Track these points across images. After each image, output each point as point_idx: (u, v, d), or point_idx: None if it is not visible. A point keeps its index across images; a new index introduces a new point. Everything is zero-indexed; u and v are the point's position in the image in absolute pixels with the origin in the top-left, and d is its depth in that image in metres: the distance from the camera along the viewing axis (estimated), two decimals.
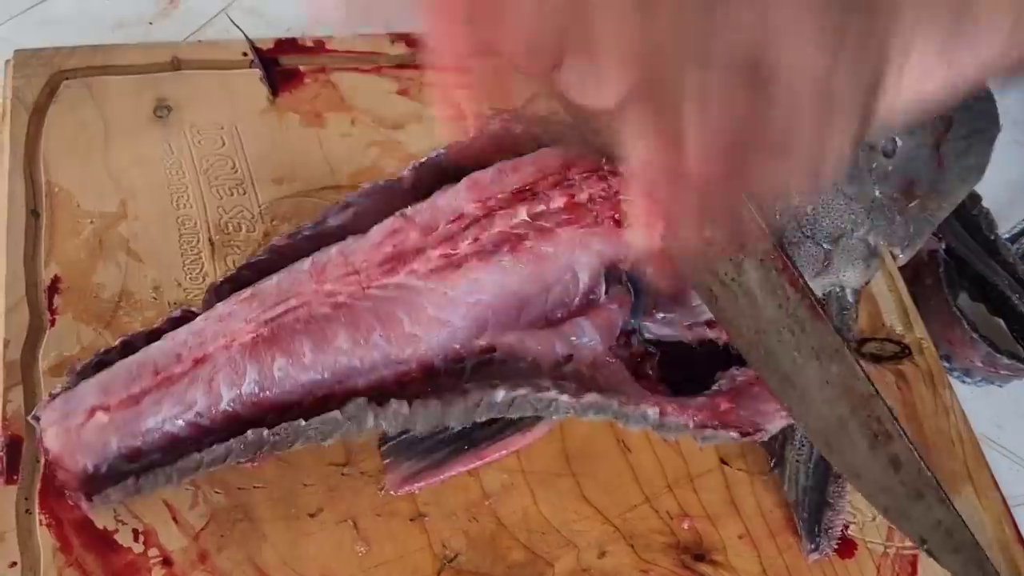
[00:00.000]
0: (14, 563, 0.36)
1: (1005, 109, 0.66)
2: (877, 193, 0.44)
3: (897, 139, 0.44)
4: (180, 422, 0.35)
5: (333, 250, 0.37)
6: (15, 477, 0.38)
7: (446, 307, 0.36)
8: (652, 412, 0.36)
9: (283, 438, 0.35)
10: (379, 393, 0.36)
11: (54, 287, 0.43)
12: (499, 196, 0.38)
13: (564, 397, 0.36)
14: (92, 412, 0.35)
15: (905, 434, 0.34)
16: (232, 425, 0.35)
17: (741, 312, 0.35)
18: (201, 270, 0.44)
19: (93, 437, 0.34)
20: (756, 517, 0.42)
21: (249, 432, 0.34)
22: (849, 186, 0.43)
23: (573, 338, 0.38)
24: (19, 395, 0.40)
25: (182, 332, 0.36)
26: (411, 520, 0.40)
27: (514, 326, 0.38)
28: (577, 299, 0.39)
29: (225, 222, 0.46)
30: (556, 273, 0.38)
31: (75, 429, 0.34)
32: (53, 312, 0.42)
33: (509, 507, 0.41)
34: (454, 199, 0.38)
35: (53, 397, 0.35)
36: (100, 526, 0.37)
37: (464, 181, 0.39)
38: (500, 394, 0.35)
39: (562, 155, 0.39)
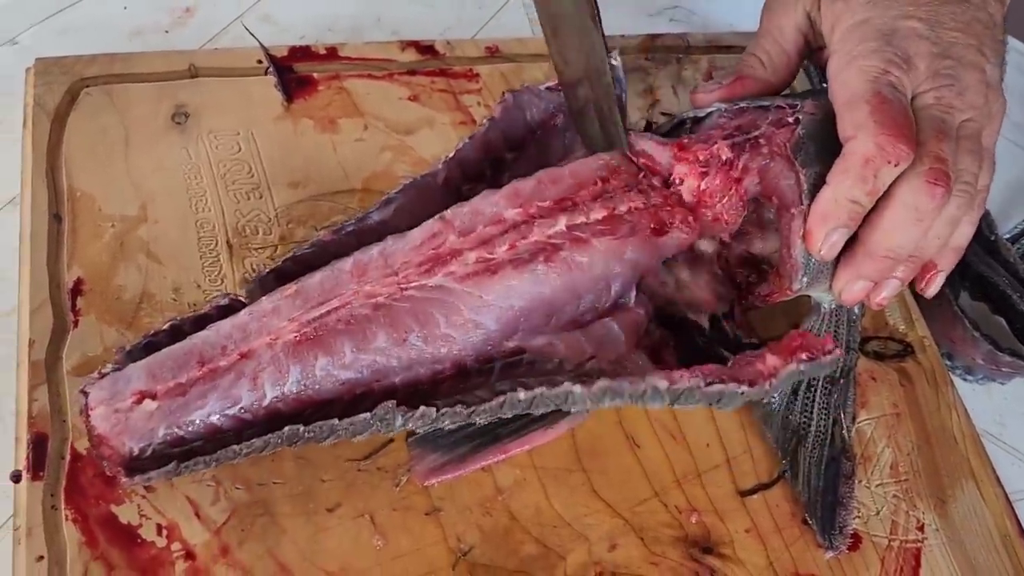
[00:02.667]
0: (41, 557, 0.37)
1: (1006, 111, 0.67)
2: None
3: None
4: (225, 416, 0.36)
5: (375, 250, 0.38)
6: (41, 473, 0.39)
7: (481, 310, 0.38)
8: (662, 383, 0.38)
9: (317, 434, 0.36)
10: (414, 390, 0.37)
11: (77, 289, 0.44)
12: (539, 204, 0.39)
13: (577, 388, 0.37)
14: (140, 397, 0.36)
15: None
16: (272, 420, 0.36)
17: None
18: (220, 272, 0.46)
19: (140, 423, 0.36)
20: (762, 511, 0.43)
21: (287, 428, 0.35)
22: None
23: (599, 337, 0.39)
24: (44, 394, 0.41)
25: (226, 324, 0.37)
26: (426, 514, 0.41)
27: (544, 330, 0.39)
28: (608, 304, 0.40)
29: (242, 225, 0.47)
30: (589, 283, 0.39)
31: (123, 412, 0.36)
32: (76, 313, 0.43)
33: (522, 502, 0.42)
34: (494, 206, 0.39)
35: (102, 376, 0.37)
36: (124, 521, 0.38)
37: (505, 189, 0.40)
38: (521, 395, 0.37)
39: (600, 166, 0.41)
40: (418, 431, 0.41)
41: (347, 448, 0.41)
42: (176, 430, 0.36)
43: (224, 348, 0.37)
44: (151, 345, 0.38)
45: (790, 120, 0.43)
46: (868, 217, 0.40)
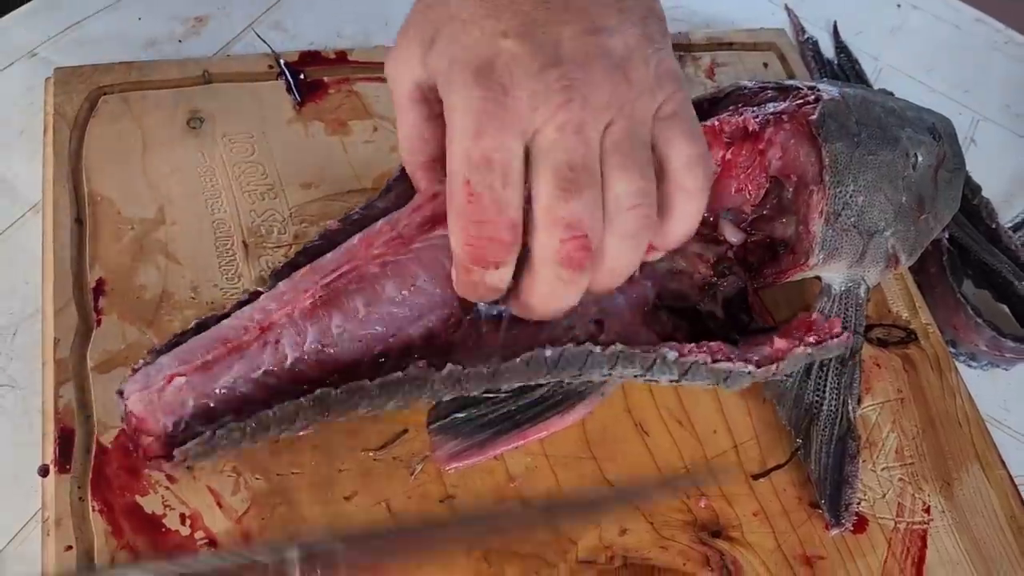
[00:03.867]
0: (69, 547, 0.38)
1: (1006, 102, 0.69)
2: (903, 199, 0.46)
3: (919, 155, 0.47)
4: (250, 381, 0.37)
5: (380, 222, 0.40)
6: (68, 467, 0.40)
7: None
8: (671, 353, 0.39)
9: (348, 397, 0.37)
10: (430, 343, 0.39)
11: (99, 289, 0.45)
12: None
13: (597, 348, 0.38)
14: (171, 378, 0.37)
15: None
16: (299, 385, 0.38)
17: None
18: (236, 271, 0.47)
19: (171, 397, 0.37)
20: (769, 495, 0.44)
21: (317, 391, 0.36)
22: (889, 187, 0.46)
23: (605, 302, 0.40)
24: (70, 391, 0.42)
25: (247, 309, 0.39)
26: (441, 502, 0.42)
27: None
28: None
29: (257, 225, 0.49)
30: None
31: (156, 392, 0.37)
32: (99, 313, 0.44)
33: (533, 488, 0.43)
34: None
35: (135, 371, 0.38)
36: (149, 511, 0.40)
37: None
38: (548, 352, 0.38)
39: None
40: (438, 418, 0.42)
41: (363, 438, 0.43)
42: (205, 400, 0.37)
43: (246, 328, 0.38)
44: (179, 343, 0.39)
45: (811, 100, 0.45)
46: (523, 282, 0.36)
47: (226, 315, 0.40)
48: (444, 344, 0.39)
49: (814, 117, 0.44)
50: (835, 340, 0.41)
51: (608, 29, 0.35)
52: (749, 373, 0.40)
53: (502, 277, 0.36)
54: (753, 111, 0.44)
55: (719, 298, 0.45)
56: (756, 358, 0.40)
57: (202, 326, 0.40)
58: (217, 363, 0.37)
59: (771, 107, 0.45)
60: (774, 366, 0.40)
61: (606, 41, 0.35)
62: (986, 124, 0.66)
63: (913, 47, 0.69)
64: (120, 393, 0.38)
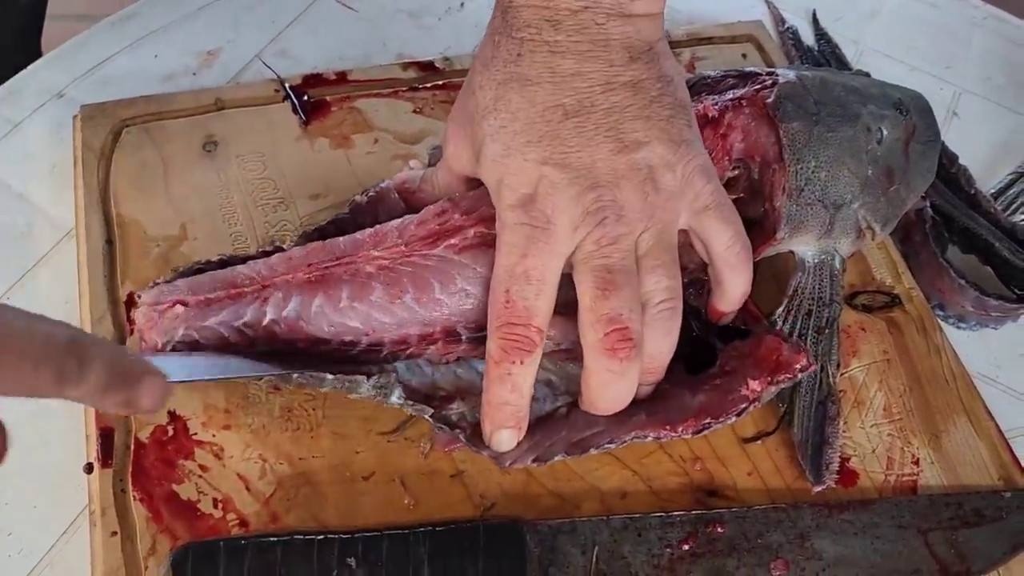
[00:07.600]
0: (115, 533, 0.42)
1: (987, 75, 0.71)
2: (869, 172, 0.49)
3: (883, 129, 0.49)
4: (231, 328, 0.43)
5: (392, 224, 0.44)
6: (110, 462, 0.44)
7: (474, 281, 0.42)
8: (649, 437, 0.43)
9: (309, 383, 0.42)
10: (400, 349, 0.43)
11: (130, 302, 0.49)
12: None
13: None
14: (174, 303, 0.43)
15: None
16: (271, 339, 0.43)
17: None
18: None
19: (168, 323, 0.43)
20: (762, 456, 0.47)
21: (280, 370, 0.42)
22: (852, 161, 0.48)
23: None
24: None
25: (261, 262, 0.44)
26: (452, 476, 0.45)
27: None
28: None
29: (272, 235, 0.52)
30: None
31: (158, 312, 0.43)
32: (131, 323, 0.48)
33: None
34: None
35: (155, 285, 0.44)
36: (185, 498, 0.43)
37: None
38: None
39: None
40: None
41: (377, 423, 0.46)
42: (192, 333, 0.42)
43: (252, 279, 0.43)
44: (200, 271, 0.45)
45: (769, 84, 0.48)
46: (581, 380, 0.41)
47: (248, 257, 0.44)
48: (413, 350, 0.43)
49: (770, 100, 0.46)
50: (803, 374, 0.43)
51: (636, 144, 0.39)
52: (732, 421, 0.43)
53: (524, 374, 0.40)
54: (713, 99, 0.47)
55: (705, 294, 0.48)
56: (735, 410, 0.42)
57: (224, 262, 0.44)
58: (214, 304, 0.42)
59: (730, 93, 0.48)
60: (751, 407, 0.43)
61: (634, 157, 0.39)
62: (968, 97, 0.68)
63: (893, 29, 0.72)
64: (137, 296, 0.44)
